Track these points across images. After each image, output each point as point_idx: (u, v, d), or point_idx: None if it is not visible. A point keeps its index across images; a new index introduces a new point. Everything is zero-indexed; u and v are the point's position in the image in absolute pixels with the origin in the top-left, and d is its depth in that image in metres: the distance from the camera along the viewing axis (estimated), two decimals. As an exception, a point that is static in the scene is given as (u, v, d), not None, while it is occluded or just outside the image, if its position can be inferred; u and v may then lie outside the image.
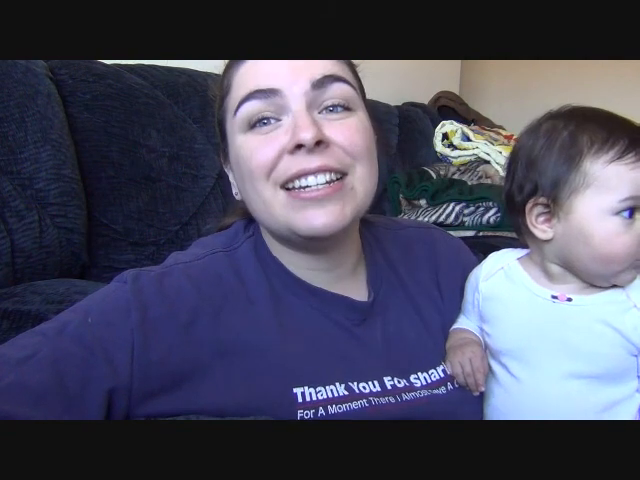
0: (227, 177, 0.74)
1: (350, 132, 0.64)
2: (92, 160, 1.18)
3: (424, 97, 2.68)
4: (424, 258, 0.81)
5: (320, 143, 0.62)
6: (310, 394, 0.63)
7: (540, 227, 0.69)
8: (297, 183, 0.63)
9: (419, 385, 0.70)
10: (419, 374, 0.71)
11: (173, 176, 1.30)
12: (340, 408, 0.63)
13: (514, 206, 0.71)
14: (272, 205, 0.64)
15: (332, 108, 0.64)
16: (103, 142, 1.20)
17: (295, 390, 0.63)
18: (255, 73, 0.64)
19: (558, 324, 0.68)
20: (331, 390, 0.64)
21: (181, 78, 1.41)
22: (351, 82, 0.67)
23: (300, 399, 0.62)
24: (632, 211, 0.64)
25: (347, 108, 0.65)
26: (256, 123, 0.64)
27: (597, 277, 0.68)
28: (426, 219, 1.83)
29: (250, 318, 0.65)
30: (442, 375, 0.72)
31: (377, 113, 2.13)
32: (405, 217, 1.86)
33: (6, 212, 0.99)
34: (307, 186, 0.62)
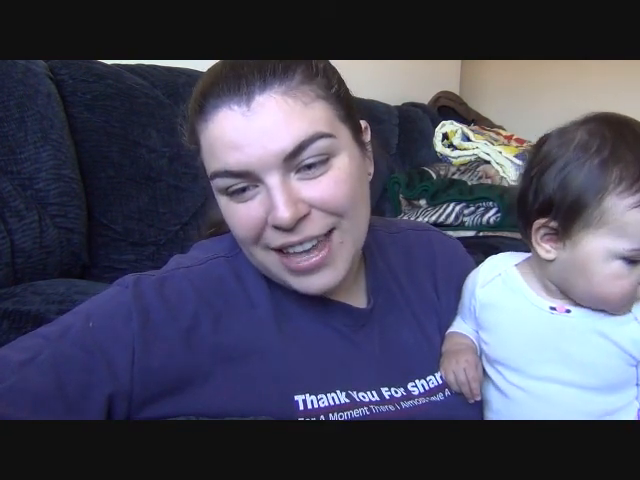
0: (209, 189, 0.71)
1: (331, 189, 0.61)
2: (92, 160, 1.18)
3: (424, 97, 2.68)
4: (422, 261, 0.81)
5: (300, 218, 0.60)
6: (312, 401, 0.63)
7: (544, 246, 0.66)
8: (286, 248, 0.62)
9: (417, 393, 0.70)
10: (417, 381, 0.71)
11: (173, 176, 1.30)
12: (342, 416, 0.63)
13: (524, 210, 0.68)
14: (266, 265, 0.65)
15: (310, 165, 0.60)
16: (103, 142, 1.20)
17: (296, 397, 0.63)
18: (223, 147, 0.59)
19: (556, 335, 0.67)
20: (332, 398, 0.64)
21: (181, 78, 1.41)
22: (328, 130, 0.61)
23: (301, 406, 0.62)
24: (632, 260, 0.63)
25: (326, 159, 0.61)
26: (233, 193, 0.62)
27: (590, 305, 0.67)
28: (426, 219, 1.83)
29: (251, 324, 0.65)
30: (440, 382, 0.72)
31: (377, 113, 2.13)
32: (405, 217, 1.86)
33: (6, 212, 0.99)
34: (294, 252, 0.62)
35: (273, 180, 0.59)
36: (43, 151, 1.05)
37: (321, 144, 0.60)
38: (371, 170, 0.71)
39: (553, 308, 0.68)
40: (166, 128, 1.31)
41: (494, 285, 0.74)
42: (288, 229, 0.59)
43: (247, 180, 0.60)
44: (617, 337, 0.65)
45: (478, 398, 0.70)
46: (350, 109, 0.65)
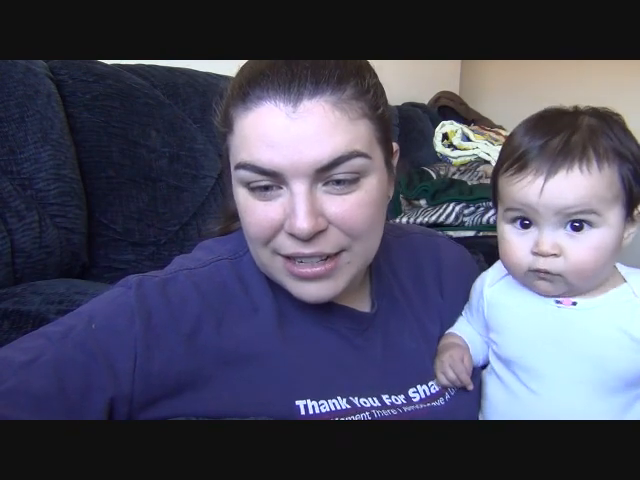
0: (227, 177, 0.73)
1: (354, 210, 0.60)
2: (92, 160, 1.18)
3: (424, 97, 2.68)
4: (428, 265, 0.81)
5: (317, 232, 0.59)
6: (313, 407, 0.63)
7: None
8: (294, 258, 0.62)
9: (417, 399, 0.70)
10: (418, 387, 0.71)
11: (173, 176, 1.30)
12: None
13: None
14: (270, 268, 0.65)
15: (339, 181, 0.59)
16: (103, 142, 1.20)
17: (298, 403, 0.63)
18: (258, 141, 0.58)
19: (564, 329, 0.67)
20: (333, 403, 0.64)
21: (181, 78, 1.41)
22: (366, 150, 0.60)
23: (303, 412, 0.62)
24: (524, 223, 0.67)
25: (356, 179, 0.60)
26: (255, 189, 0.60)
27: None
28: (426, 219, 1.83)
29: (253, 327, 0.65)
30: (440, 387, 0.72)
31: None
32: (405, 217, 1.86)
33: (6, 212, 0.99)
34: (301, 261, 0.61)
35: (300, 187, 0.58)
36: (43, 151, 1.05)
37: (356, 162, 0.59)
38: (391, 193, 0.71)
39: (559, 302, 0.68)
40: (166, 128, 1.31)
41: (502, 284, 0.74)
42: (304, 240, 0.59)
43: (273, 180, 0.59)
44: (627, 326, 0.64)
45: (470, 387, 0.72)
46: (387, 131, 0.65)
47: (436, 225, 1.80)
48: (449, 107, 2.70)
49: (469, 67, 3.05)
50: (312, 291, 0.63)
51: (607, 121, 0.66)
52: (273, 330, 0.66)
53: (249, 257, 0.69)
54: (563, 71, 2.67)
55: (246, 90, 0.59)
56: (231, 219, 0.76)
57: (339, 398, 0.64)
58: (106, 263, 1.18)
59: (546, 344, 0.68)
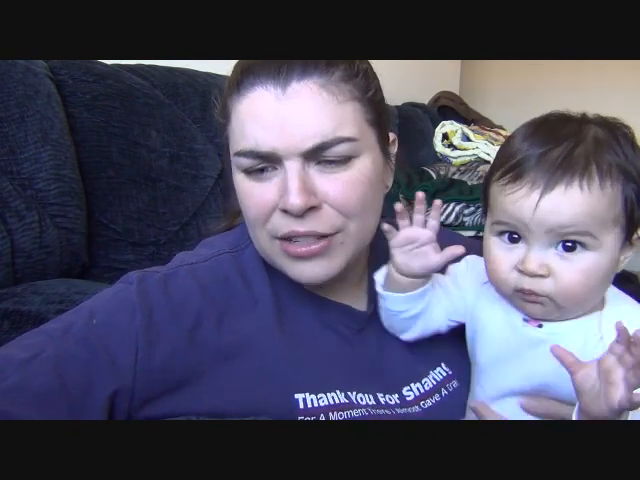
0: (227, 177, 0.73)
1: (346, 189, 0.62)
2: (92, 160, 1.18)
3: (424, 97, 2.68)
4: None
5: (310, 208, 0.60)
6: (312, 400, 0.63)
7: None
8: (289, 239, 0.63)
9: (412, 398, 0.70)
10: (412, 385, 0.71)
11: (173, 176, 1.30)
12: (341, 415, 0.63)
13: None
14: (269, 251, 0.66)
15: (332, 160, 0.61)
16: (103, 142, 1.19)
17: (297, 396, 0.63)
18: (252, 125, 0.61)
19: (525, 347, 0.64)
20: (332, 397, 0.64)
21: (181, 78, 1.41)
22: (353, 133, 0.61)
23: (302, 405, 0.62)
24: (512, 237, 0.62)
25: (348, 158, 0.62)
26: (251, 172, 0.63)
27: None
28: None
29: (254, 320, 0.65)
30: (434, 383, 0.72)
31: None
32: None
33: (6, 212, 0.99)
34: (297, 241, 0.63)
35: (292, 165, 0.60)
36: (43, 151, 1.05)
37: (341, 148, 0.61)
38: (389, 183, 0.72)
39: (526, 320, 0.64)
40: (166, 128, 1.31)
41: (483, 291, 0.70)
42: (297, 215, 0.60)
43: (268, 162, 0.61)
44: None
45: None
46: (381, 116, 0.66)
47: (436, 225, 1.80)
48: (449, 107, 2.69)
49: (469, 67, 3.05)
50: (308, 270, 0.64)
51: (615, 134, 0.60)
52: (272, 324, 0.66)
53: (251, 250, 0.70)
54: (563, 71, 2.67)
55: (240, 79, 0.62)
56: (233, 217, 0.76)
57: (337, 392, 0.65)
58: (106, 263, 1.18)
59: (506, 358, 0.65)
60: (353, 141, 0.62)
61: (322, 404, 0.63)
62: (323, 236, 0.63)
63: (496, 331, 0.67)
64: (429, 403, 0.70)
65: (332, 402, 0.64)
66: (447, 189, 1.93)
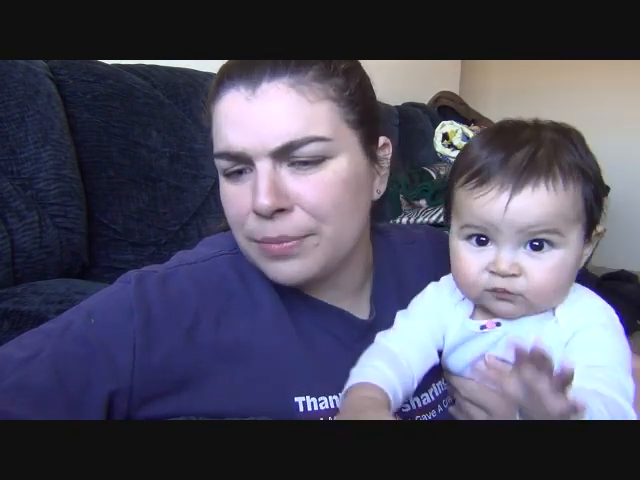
0: None
1: (317, 190, 0.60)
2: (92, 160, 1.18)
3: (424, 97, 2.68)
4: (432, 267, 0.78)
5: (280, 210, 0.60)
6: (312, 403, 0.63)
7: None
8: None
9: (407, 410, 0.69)
10: (410, 399, 0.70)
11: (173, 176, 1.30)
12: None
13: None
14: (249, 253, 0.65)
15: (305, 161, 0.60)
16: (103, 142, 1.20)
17: (296, 399, 0.63)
18: (225, 126, 0.62)
19: (491, 349, 0.65)
20: (333, 400, 0.64)
21: (181, 78, 1.41)
22: (326, 132, 0.60)
23: (301, 408, 0.62)
24: (480, 240, 0.63)
25: (321, 159, 0.61)
26: (230, 174, 0.63)
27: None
28: (426, 219, 1.83)
29: (253, 322, 0.65)
30: (433, 398, 0.72)
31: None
32: (405, 217, 1.86)
33: (6, 212, 0.99)
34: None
35: (262, 166, 0.60)
36: (43, 151, 1.05)
37: (312, 148, 0.60)
38: (381, 189, 0.70)
39: (483, 327, 0.65)
40: (166, 128, 1.31)
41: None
42: (266, 217, 0.60)
43: (243, 163, 0.61)
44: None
45: None
46: (366, 117, 0.65)
47: (436, 225, 1.80)
48: (449, 107, 2.70)
49: (469, 67, 3.05)
50: (284, 270, 0.63)
51: (569, 136, 0.63)
52: (272, 325, 0.66)
53: None
54: (563, 71, 2.67)
55: (218, 81, 0.63)
56: None
57: (338, 396, 0.64)
58: (106, 263, 1.18)
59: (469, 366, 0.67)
60: (325, 141, 0.60)
61: (322, 407, 0.63)
62: (295, 239, 0.62)
63: (457, 342, 0.68)
64: (425, 419, 0.70)
65: (333, 406, 0.63)
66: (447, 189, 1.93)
